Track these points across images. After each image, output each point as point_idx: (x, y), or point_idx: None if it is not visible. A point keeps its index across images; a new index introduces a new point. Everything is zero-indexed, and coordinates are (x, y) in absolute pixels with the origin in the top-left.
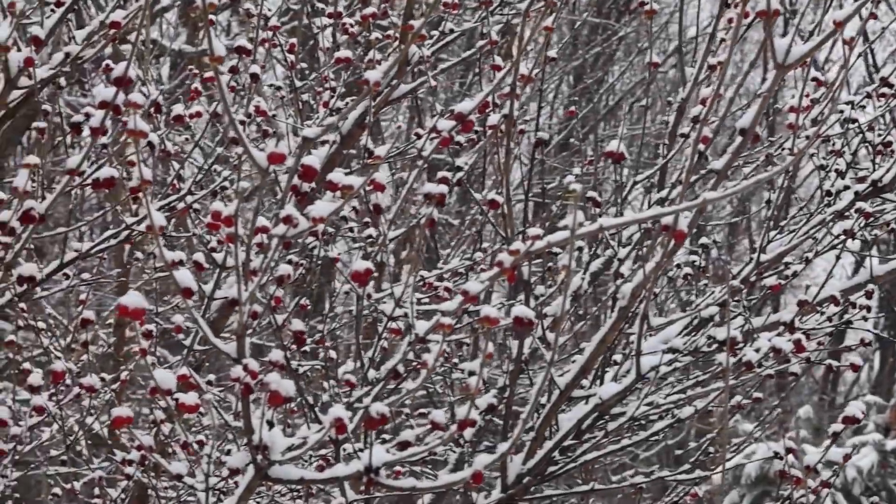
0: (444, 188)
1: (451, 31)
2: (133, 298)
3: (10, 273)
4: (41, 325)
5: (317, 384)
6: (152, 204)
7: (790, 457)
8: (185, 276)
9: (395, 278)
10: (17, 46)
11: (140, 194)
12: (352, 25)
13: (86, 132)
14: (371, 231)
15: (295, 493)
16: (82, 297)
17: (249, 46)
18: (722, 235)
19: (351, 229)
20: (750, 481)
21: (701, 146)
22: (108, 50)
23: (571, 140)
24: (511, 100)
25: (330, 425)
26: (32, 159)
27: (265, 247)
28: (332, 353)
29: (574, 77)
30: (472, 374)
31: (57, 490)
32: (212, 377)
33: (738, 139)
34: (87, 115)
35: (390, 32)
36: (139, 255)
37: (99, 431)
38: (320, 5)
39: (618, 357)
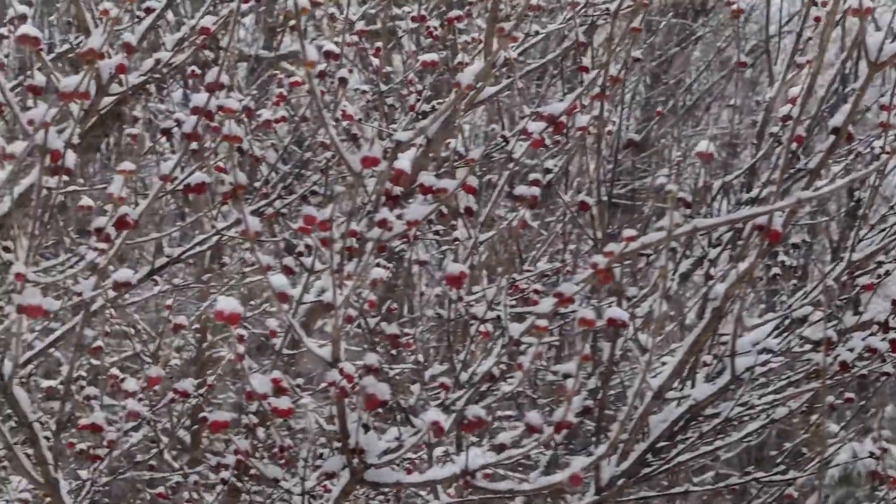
0: (536, 190)
1: (537, 32)
2: (229, 303)
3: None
4: (130, 330)
5: (401, 387)
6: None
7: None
8: (280, 281)
9: (475, 281)
10: (108, 53)
11: (231, 199)
12: (435, 28)
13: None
14: (458, 234)
15: (383, 497)
16: (168, 302)
17: (337, 50)
18: (801, 235)
19: (437, 232)
20: (833, 482)
21: (793, 145)
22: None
23: (662, 141)
24: (602, 101)
25: (427, 428)
26: (128, 165)
27: (354, 251)
28: (420, 357)
29: (651, 77)
30: (566, 376)
31: (145, 495)
32: (300, 381)
33: (831, 138)
34: (178, 121)
35: (474, 35)
36: (227, 259)
37: (183, 437)
38: (405, 9)
39: (706, 358)
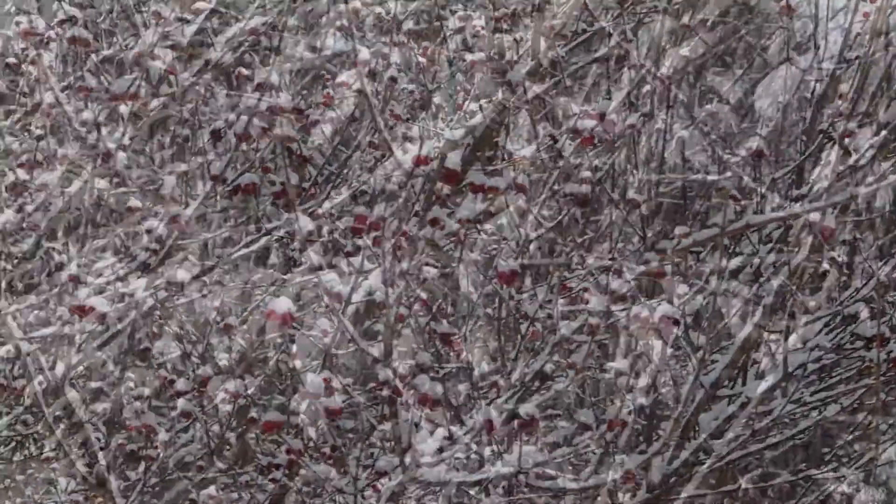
0: (586, 188)
1: (584, 30)
2: (282, 303)
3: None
4: (180, 331)
5: (451, 386)
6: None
7: None
8: (333, 281)
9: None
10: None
11: (283, 200)
12: (482, 28)
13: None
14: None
15: (433, 495)
16: (216, 303)
17: (386, 50)
18: (852, 232)
19: (485, 231)
20: (881, 480)
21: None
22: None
23: (711, 137)
24: (651, 99)
25: (480, 426)
26: (181, 167)
27: (403, 250)
28: (469, 356)
29: (693, 75)
30: (619, 373)
31: (193, 496)
32: (349, 381)
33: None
34: (228, 122)
35: (521, 34)
36: (273, 259)
37: (228, 438)
38: (451, 9)
39: (757, 356)
